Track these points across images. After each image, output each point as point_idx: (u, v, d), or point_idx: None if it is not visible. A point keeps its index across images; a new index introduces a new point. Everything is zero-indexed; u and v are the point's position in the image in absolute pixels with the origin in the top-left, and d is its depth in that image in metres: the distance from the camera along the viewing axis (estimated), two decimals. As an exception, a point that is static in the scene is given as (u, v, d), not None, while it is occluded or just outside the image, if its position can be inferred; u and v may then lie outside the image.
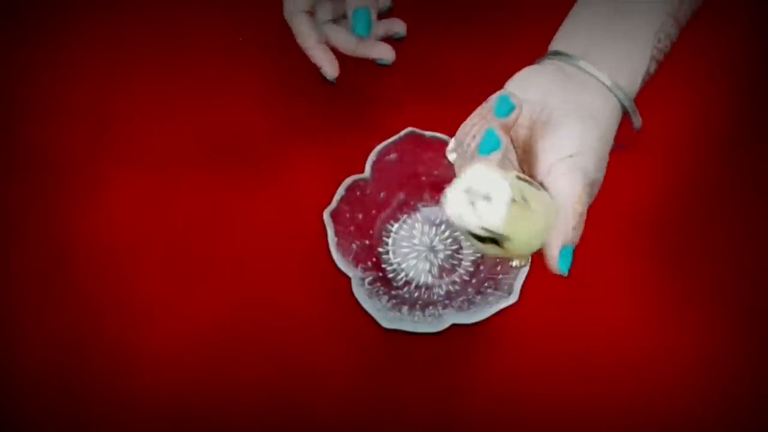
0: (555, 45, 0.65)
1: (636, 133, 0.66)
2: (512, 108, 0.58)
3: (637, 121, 0.65)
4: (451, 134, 0.79)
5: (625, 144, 0.68)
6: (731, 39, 0.86)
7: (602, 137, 0.61)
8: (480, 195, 0.55)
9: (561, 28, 0.66)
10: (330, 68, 0.77)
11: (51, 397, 0.75)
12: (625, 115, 0.65)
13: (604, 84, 0.62)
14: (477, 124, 0.58)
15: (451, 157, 0.60)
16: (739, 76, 0.85)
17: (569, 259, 0.59)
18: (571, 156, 0.60)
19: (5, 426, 0.75)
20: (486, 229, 0.55)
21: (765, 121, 0.84)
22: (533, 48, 0.67)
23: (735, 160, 0.82)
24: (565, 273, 0.59)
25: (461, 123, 0.67)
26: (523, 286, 0.75)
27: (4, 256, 0.79)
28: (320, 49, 0.77)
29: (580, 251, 0.79)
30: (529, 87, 0.62)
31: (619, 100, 0.63)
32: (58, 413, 0.75)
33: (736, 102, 0.84)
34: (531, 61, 0.65)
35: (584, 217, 0.59)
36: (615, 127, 0.63)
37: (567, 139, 0.60)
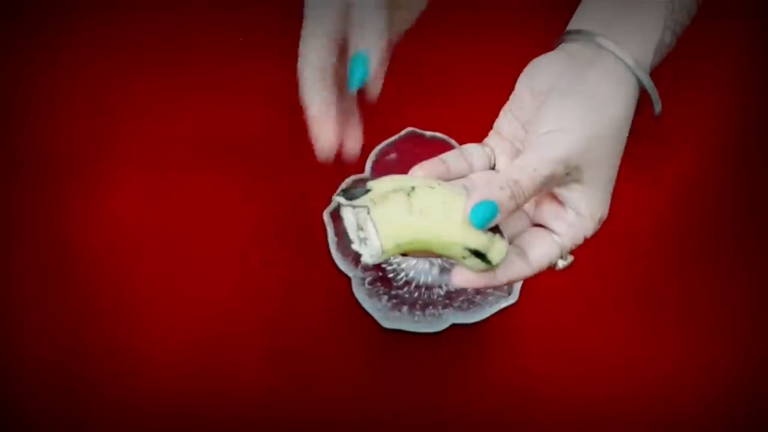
0: (570, 25, 0.64)
1: (656, 120, 0.65)
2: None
3: (657, 102, 0.63)
4: (451, 134, 0.79)
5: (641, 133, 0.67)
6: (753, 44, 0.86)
7: (602, 121, 0.60)
8: (360, 234, 0.59)
9: (576, 12, 0.65)
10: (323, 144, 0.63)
11: (51, 397, 0.75)
12: (644, 103, 0.64)
13: (621, 60, 0.61)
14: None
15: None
16: (750, 82, 0.85)
17: (483, 213, 0.57)
18: (547, 132, 0.59)
19: (5, 426, 0.75)
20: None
21: None
22: (534, 47, 0.67)
23: (738, 162, 0.82)
24: (478, 225, 0.57)
25: (461, 123, 0.67)
26: (523, 286, 0.75)
27: (4, 255, 0.79)
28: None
29: (579, 250, 0.79)
30: (536, 74, 0.62)
31: (637, 77, 0.61)
32: (58, 413, 0.75)
33: (748, 107, 0.84)
34: (530, 61, 0.64)
35: (523, 188, 0.58)
36: (626, 112, 0.61)
37: (551, 115, 0.60)
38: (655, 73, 0.65)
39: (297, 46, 0.79)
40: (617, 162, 0.62)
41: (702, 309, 0.78)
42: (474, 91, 0.80)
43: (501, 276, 0.60)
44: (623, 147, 0.61)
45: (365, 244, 0.58)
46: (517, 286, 0.74)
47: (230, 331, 0.77)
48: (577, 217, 0.61)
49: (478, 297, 0.77)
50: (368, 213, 0.57)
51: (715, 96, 0.85)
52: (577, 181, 0.60)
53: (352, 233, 0.59)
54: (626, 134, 0.62)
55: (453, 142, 0.78)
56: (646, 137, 0.82)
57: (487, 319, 0.74)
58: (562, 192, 0.61)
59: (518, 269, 0.60)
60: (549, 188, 0.60)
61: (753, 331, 0.78)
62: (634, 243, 0.80)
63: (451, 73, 0.85)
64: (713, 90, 0.85)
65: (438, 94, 0.83)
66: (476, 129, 0.65)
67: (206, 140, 0.83)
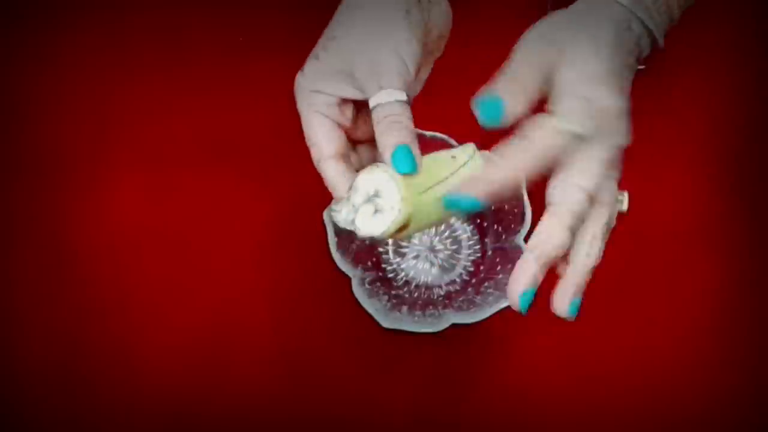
0: None
1: (659, 54, 0.64)
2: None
3: (659, 37, 0.61)
4: (451, 134, 0.79)
5: (645, 65, 0.66)
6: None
7: (573, 33, 0.59)
8: (374, 202, 0.59)
9: None
10: None
11: (51, 397, 0.75)
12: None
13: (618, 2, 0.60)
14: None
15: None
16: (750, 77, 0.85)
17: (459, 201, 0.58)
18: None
19: (5, 426, 0.75)
20: (354, 226, 0.60)
21: None
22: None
23: (738, 161, 0.82)
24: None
25: (461, 123, 0.67)
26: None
27: (4, 255, 0.79)
28: None
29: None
30: (537, 35, 0.61)
31: (636, 15, 0.60)
32: (58, 413, 0.75)
33: (749, 106, 0.84)
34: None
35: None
36: (608, 33, 0.60)
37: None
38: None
39: (297, 45, 0.79)
40: (602, 71, 0.59)
41: (702, 309, 0.78)
42: (474, 92, 0.80)
43: (503, 164, 0.58)
44: (610, 65, 0.59)
45: (369, 212, 0.59)
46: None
47: (230, 331, 0.77)
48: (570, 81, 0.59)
49: (478, 297, 0.77)
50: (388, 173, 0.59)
51: (715, 95, 0.85)
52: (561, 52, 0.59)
53: (362, 203, 0.60)
54: (611, 54, 0.59)
55: (453, 142, 0.78)
56: (643, 138, 0.82)
57: (487, 319, 0.74)
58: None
59: (521, 151, 0.58)
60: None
61: (753, 331, 0.78)
62: (634, 243, 0.80)
63: (452, 73, 0.85)
64: (714, 89, 0.85)
65: (438, 94, 0.83)
66: (476, 129, 0.65)
67: (206, 140, 0.83)
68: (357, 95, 0.61)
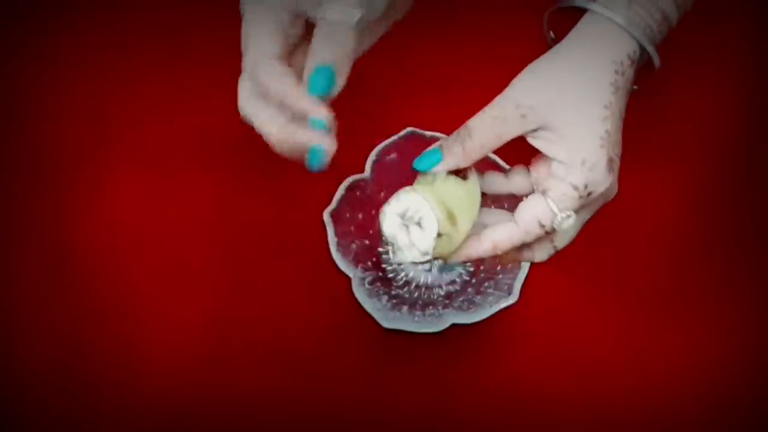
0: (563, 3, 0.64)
1: (655, 75, 0.64)
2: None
3: (656, 58, 0.62)
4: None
5: (639, 87, 0.66)
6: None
7: (563, 66, 0.60)
8: (413, 221, 0.60)
9: None
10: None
11: (51, 397, 0.75)
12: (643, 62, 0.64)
13: (616, 23, 0.60)
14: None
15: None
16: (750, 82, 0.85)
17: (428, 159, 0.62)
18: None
19: (5, 426, 0.75)
20: (421, 252, 0.61)
21: None
22: (535, 47, 0.67)
23: (738, 161, 0.82)
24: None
25: (461, 123, 0.67)
26: (523, 286, 0.75)
27: (4, 255, 0.79)
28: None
29: (579, 251, 0.79)
30: (532, 85, 0.62)
31: (635, 38, 0.61)
32: (58, 413, 0.75)
33: (750, 106, 0.84)
34: (531, 60, 0.64)
35: (469, 127, 0.61)
36: (601, 59, 0.60)
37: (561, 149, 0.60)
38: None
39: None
40: (599, 109, 0.60)
41: (702, 309, 0.78)
42: (474, 91, 0.80)
43: (486, 237, 0.61)
44: (608, 96, 0.60)
45: (418, 231, 0.60)
46: (517, 286, 0.74)
47: (230, 331, 0.77)
48: (562, 167, 0.60)
49: (478, 297, 0.77)
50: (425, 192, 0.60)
51: (717, 95, 0.85)
52: (550, 129, 0.60)
53: (409, 237, 0.61)
54: (608, 83, 0.60)
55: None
56: (644, 137, 0.82)
57: (487, 319, 0.74)
58: (541, 145, 0.61)
59: (507, 230, 0.61)
60: (505, 132, 0.60)
61: (753, 331, 0.78)
62: (634, 243, 0.80)
63: (451, 72, 0.85)
64: (715, 89, 0.85)
65: (438, 94, 0.83)
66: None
67: (206, 140, 0.83)
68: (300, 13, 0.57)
